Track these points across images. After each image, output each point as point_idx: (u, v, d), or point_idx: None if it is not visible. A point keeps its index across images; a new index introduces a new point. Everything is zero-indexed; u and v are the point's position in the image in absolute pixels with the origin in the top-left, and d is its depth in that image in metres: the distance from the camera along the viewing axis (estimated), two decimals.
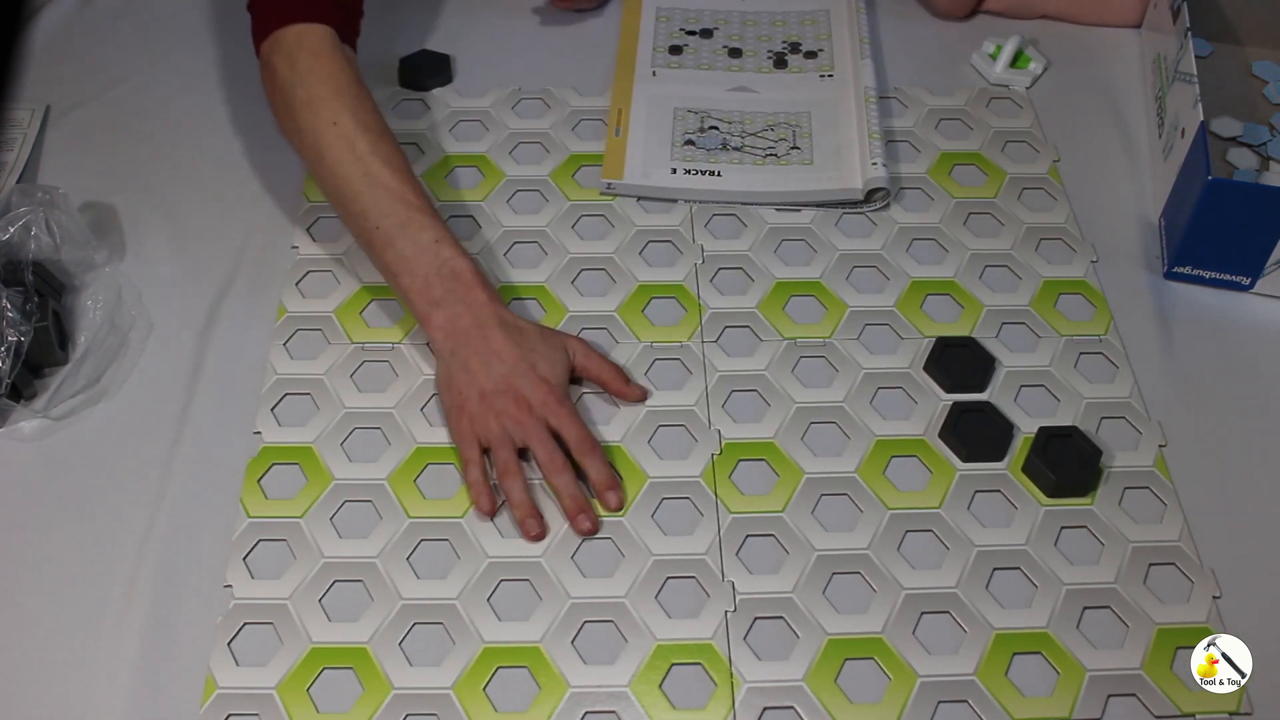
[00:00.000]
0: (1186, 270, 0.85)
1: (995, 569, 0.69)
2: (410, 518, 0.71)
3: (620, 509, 0.71)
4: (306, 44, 0.80)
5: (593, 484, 0.72)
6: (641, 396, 0.76)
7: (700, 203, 0.89)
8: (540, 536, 0.70)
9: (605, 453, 0.73)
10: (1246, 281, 0.84)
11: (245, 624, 0.67)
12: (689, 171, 0.90)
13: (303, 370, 0.78)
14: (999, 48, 1.00)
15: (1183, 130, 0.86)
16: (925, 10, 1.07)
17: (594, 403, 0.77)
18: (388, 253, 0.75)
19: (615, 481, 0.72)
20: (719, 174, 0.90)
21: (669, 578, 0.69)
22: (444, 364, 0.74)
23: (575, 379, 0.77)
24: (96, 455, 0.74)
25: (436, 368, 0.76)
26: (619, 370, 0.77)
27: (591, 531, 0.70)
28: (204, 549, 0.70)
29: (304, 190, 0.89)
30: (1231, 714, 0.64)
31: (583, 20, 1.05)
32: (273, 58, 0.81)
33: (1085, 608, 0.68)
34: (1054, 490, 0.72)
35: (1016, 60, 1.00)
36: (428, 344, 0.78)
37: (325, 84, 0.79)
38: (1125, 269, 0.86)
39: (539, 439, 0.71)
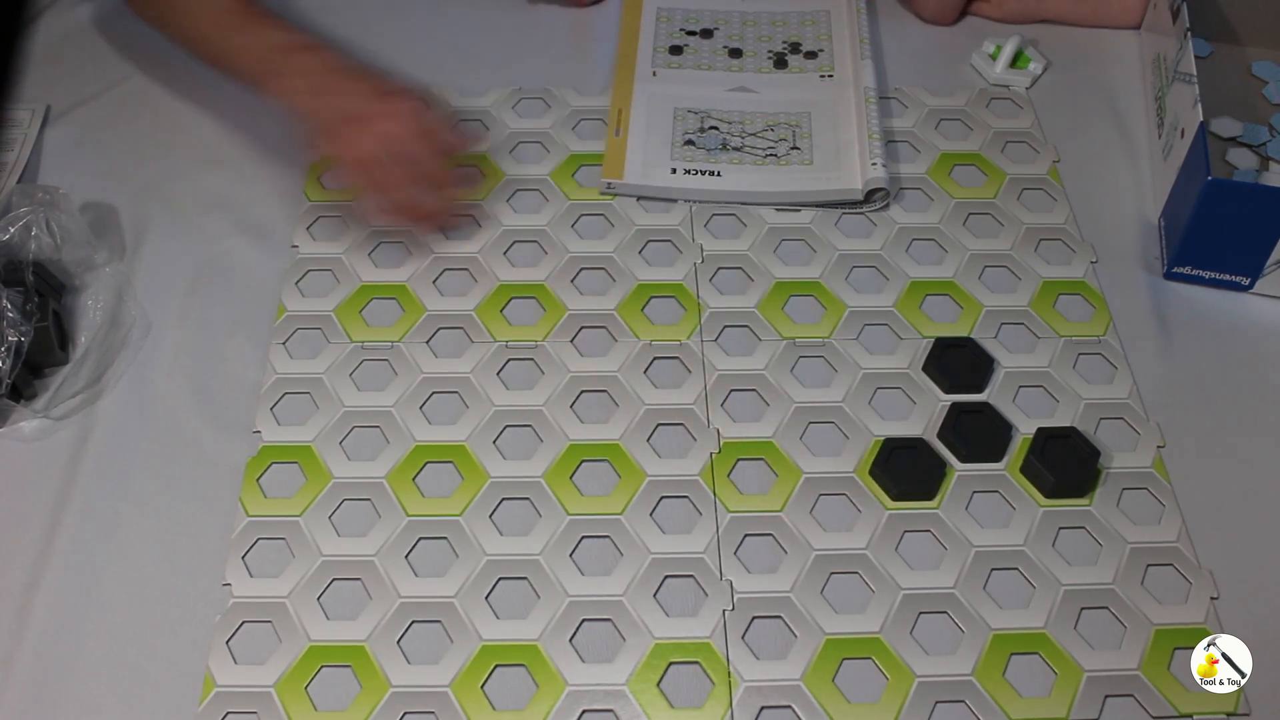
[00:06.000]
0: (1186, 270, 0.85)
1: (993, 569, 0.70)
2: (409, 516, 0.71)
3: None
4: None
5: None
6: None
7: (700, 203, 0.89)
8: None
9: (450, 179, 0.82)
10: (1246, 282, 0.84)
11: (243, 622, 0.67)
12: (689, 171, 0.91)
13: (302, 369, 0.78)
14: (999, 48, 1.00)
15: (1182, 130, 0.86)
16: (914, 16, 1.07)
17: (592, 401, 0.77)
18: (233, 46, 0.81)
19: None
20: (719, 174, 0.90)
21: (667, 576, 0.69)
22: (310, 115, 0.79)
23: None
24: (96, 455, 0.74)
25: (304, 127, 0.80)
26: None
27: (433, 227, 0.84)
28: (203, 547, 0.70)
29: (304, 189, 0.89)
30: (1229, 715, 0.64)
31: (583, 20, 1.05)
32: None
33: (1083, 608, 0.68)
34: (1052, 491, 0.72)
35: (1016, 60, 1.00)
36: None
37: None
38: (1125, 269, 0.86)
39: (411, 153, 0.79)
